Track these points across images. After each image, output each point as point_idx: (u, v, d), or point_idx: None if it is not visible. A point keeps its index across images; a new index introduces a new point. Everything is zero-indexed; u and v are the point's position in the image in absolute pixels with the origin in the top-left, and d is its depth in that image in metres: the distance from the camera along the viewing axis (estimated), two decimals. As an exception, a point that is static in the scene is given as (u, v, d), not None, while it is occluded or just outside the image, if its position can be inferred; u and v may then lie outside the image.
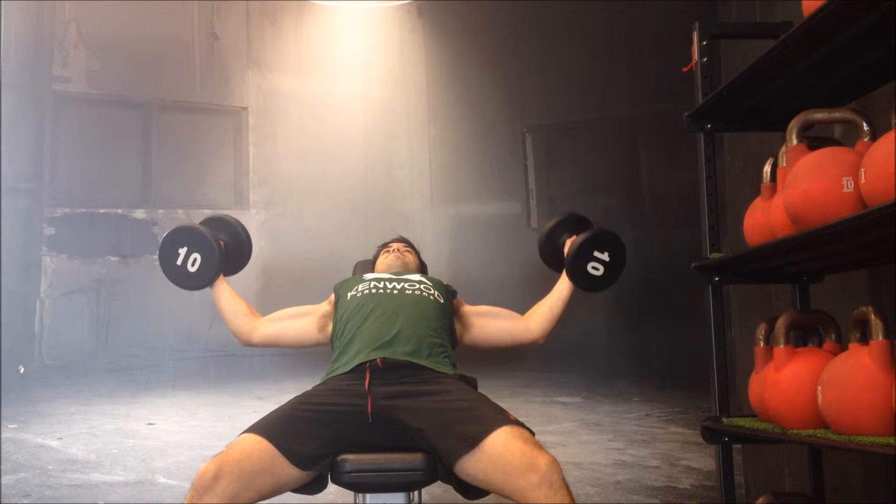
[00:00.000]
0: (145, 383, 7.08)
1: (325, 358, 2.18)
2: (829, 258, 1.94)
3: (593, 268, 2.34)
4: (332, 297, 2.31)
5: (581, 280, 2.36)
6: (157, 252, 2.38)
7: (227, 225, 2.49)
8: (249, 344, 2.38)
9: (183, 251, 2.34)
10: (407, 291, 2.17)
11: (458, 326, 2.28)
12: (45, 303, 7.63)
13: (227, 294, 2.38)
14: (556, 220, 2.50)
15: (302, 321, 2.33)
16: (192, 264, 2.34)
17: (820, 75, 1.88)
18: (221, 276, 2.39)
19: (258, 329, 2.35)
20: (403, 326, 2.05)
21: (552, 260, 2.47)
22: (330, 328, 2.26)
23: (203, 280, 2.36)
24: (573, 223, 2.46)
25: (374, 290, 2.18)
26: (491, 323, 2.35)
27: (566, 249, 2.39)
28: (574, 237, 2.39)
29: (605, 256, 2.34)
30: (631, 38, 7.11)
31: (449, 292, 2.29)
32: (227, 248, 2.41)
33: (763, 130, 2.41)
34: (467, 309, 2.35)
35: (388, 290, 2.17)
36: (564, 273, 2.38)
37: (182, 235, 2.36)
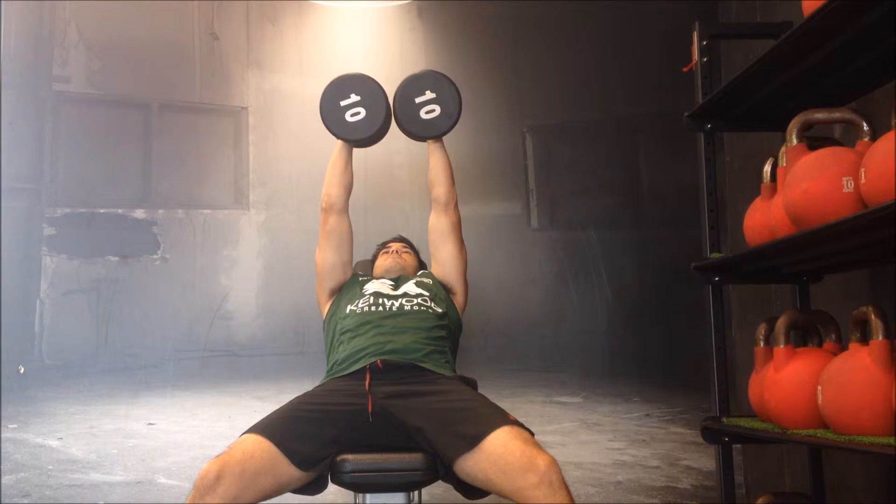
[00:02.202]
0: (145, 383, 7.06)
1: (325, 358, 2.18)
2: (829, 258, 1.94)
3: (426, 112, 2.24)
4: (349, 276, 2.32)
5: (425, 130, 2.26)
6: (332, 81, 2.21)
7: (388, 108, 2.29)
8: (325, 208, 2.30)
9: (354, 98, 2.20)
10: (406, 307, 2.17)
11: (454, 296, 2.29)
12: (45, 303, 7.62)
13: (350, 163, 2.31)
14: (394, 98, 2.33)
15: (337, 262, 2.31)
16: (353, 115, 2.21)
17: (820, 75, 1.88)
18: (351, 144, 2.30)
19: (343, 217, 2.30)
20: (404, 342, 2.06)
21: (410, 133, 2.33)
22: (327, 305, 2.28)
23: (347, 134, 2.24)
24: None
25: (373, 308, 2.17)
26: (438, 248, 2.33)
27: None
28: None
29: (430, 94, 2.23)
30: (631, 38, 7.10)
31: (438, 284, 2.30)
32: (382, 129, 2.29)
33: (763, 130, 2.41)
34: (436, 270, 2.34)
35: (387, 308, 2.17)
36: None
37: (365, 87, 2.23)
